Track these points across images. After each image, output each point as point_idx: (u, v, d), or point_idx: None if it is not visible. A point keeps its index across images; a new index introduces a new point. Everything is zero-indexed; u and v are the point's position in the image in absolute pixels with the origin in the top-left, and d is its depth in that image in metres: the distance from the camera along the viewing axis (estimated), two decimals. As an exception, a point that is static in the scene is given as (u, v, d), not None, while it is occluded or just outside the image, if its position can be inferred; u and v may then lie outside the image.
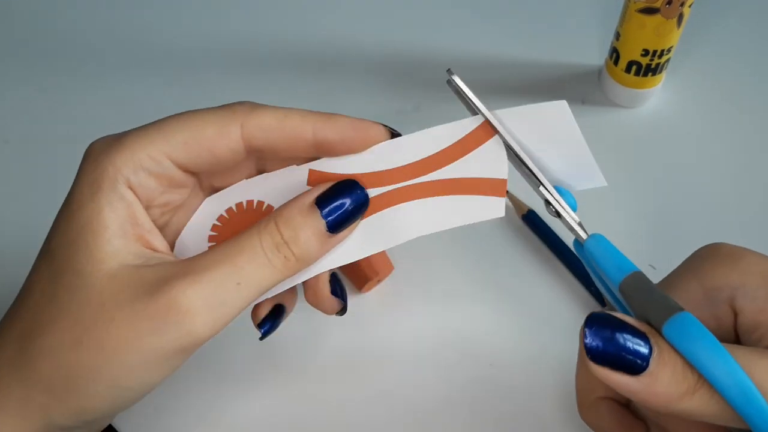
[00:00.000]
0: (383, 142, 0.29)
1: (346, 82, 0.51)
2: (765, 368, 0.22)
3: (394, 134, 0.29)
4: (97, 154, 0.27)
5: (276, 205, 0.29)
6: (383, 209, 0.29)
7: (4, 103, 0.51)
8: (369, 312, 0.40)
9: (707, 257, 0.27)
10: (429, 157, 0.29)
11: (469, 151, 0.28)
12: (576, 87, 0.50)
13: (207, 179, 0.30)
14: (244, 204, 0.30)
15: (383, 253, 0.41)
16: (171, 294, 0.25)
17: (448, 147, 0.29)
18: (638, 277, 0.25)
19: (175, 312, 0.25)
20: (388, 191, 0.29)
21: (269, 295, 0.29)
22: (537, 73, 0.51)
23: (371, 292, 0.41)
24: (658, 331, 0.23)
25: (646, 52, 0.45)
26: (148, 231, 0.28)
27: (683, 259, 0.42)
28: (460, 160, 0.28)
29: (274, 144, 0.28)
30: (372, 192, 0.29)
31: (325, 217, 0.27)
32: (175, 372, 0.27)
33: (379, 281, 0.41)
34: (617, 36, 0.46)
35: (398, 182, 0.29)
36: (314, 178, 0.29)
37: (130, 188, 0.27)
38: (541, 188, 0.28)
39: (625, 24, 0.45)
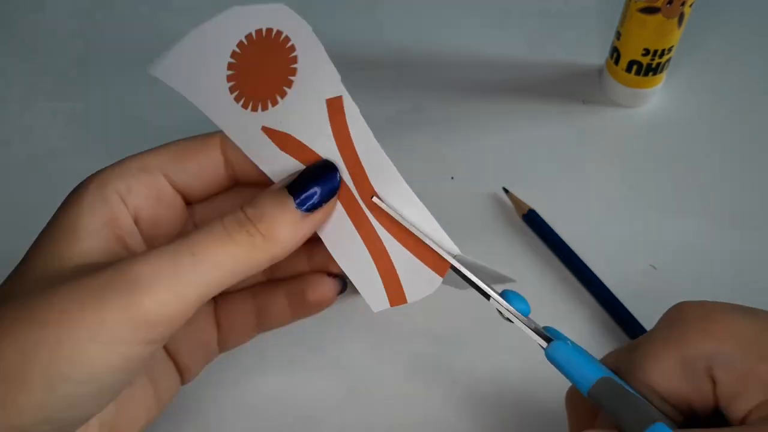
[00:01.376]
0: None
1: (346, 82, 0.51)
2: None
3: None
4: (88, 177, 0.27)
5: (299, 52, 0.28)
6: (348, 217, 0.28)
7: (4, 104, 0.51)
8: (369, 311, 0.40)
9: (678, 323, 0.26)
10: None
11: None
12: (576, 87, 0.50)
13: (197, 212, 0.30)
14: (263, 32, 0.28)
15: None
16: (120, 266, 0.23)
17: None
18: (607, 383, 0.25)
19: (120, 281, 0.23)
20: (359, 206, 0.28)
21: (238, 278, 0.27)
22: (537, 73, 0.51)
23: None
24: None
25: (646, 52, 0.45)
26: (128, 234, 0.27)
27: (683, 260, 0.42)
28: (403, 249, 0.28)
29: (246, 163, 0.29)
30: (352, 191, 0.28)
31: (292, 194, 0.26)
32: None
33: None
34: (618, 35, 0.46)
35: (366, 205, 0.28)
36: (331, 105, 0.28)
37: (117, 194, 0.27)
38: (491, 300, 0.28)
39: (626, 23, 0.45)
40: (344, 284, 0.30)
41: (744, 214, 0.44)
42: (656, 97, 0.49)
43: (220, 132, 0.29)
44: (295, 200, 0.26)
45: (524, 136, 0.48)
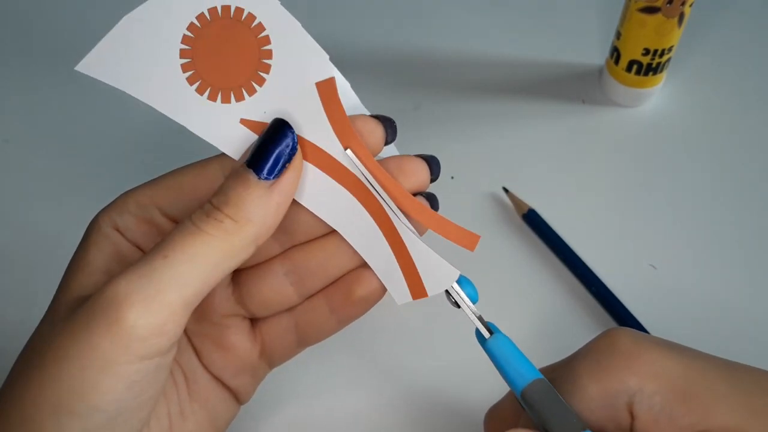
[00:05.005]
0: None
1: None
2: None
3: (387, 127, 0.28)
4: (96, 215, 0.27)
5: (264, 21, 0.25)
6: (350, 192, 0.27)
7: (4, 103, 0.50)
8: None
9: (606, 354, 0.26)
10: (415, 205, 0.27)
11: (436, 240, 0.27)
12: (576, 86, 0.50)
13: None
14: (219, 10, 0.25)
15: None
16: (101, 289, 0.23)
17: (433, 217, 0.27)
18: (541, 385, 0.25)
19: (101, 302, 0.23)
20: (368, 189, 0.27)
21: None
22: (537, 72, 0.51)
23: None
24: None
25: (646, 52, 0.45)
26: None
27: (683, 260, 0.42)
28: (424, 246, 0.27)
29: None
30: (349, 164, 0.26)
31: (251, 167, 0.25)
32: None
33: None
34: (618, 35, 0.46)
35: (377, 180, 0.27)
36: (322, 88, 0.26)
37: (117, 230, 0.27)
38: None
39: (626, 23, 0.45)
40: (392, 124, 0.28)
41: (744, 213, 0.44)
42: (656, 97, 0.49)
43: (218, 156, 0.27)
44: (256, 172, 0.25)
45: (524, 136, 0.48)
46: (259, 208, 0.25)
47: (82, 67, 0.25)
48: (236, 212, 0.24)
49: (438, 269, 0.27)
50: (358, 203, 0.27)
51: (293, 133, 0.26)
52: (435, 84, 0.51)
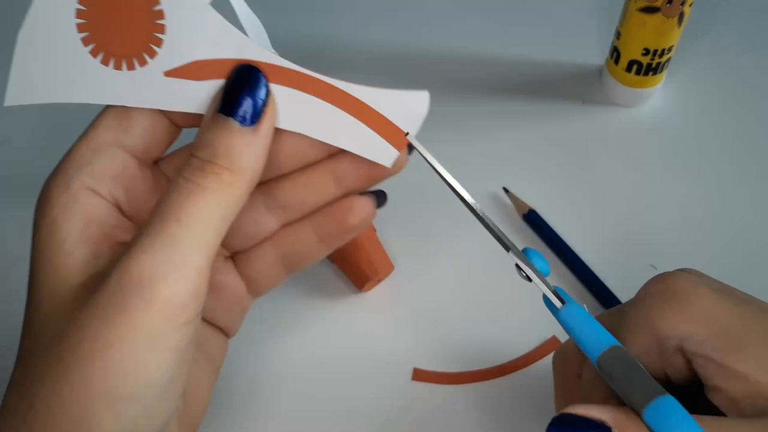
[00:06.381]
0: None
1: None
2: None
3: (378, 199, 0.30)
4: (48, 180, 0.26)
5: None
6: (290, 87, 0.26)
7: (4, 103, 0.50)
8: (368, 311, 0.40)
9: (656, 298, 0.26)
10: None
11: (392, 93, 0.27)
12: (576, 86, 0.50)
13: (165, 169, 0.28)
14: None
15: (383, 252, 0.40)
16: (122, 269, 0.23)
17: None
18: (617, 352, 0.25)
19: (130, 283, 0.22)
20: (299, 72, 0.26)
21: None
22: (537, 72, 0.51)
23: (371, 292, 0.41)
24: (639, 413, 0.23)
25: (646, 51, 0.45)
26: (113, 226, 0.26)
27: (683, 260, 0.42)
28: (379, 89, 0.27)
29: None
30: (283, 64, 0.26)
31: (230, 115, 0.25)
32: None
33: (379, 281, 0.41)
34: (618, 35, 0.46)
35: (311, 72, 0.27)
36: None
37: (85, 189, 0.25)
38: (510, 252, 0.27)
39: (626, 23, 0.45)
40: (381, 196, 0.29)
41: (744, 213, 0.44)
42: (656, 97, 0.49)
43: None
44: (236, 119, 0.25)
45: (524, 136, 0.48)
46: (250, 155, 0.25)
47: (9, 100, 0.25)
48: (231, 163, 0.24)
49: (406, 102, 0.27)
50: (304, 93, 0.27)
51: (263, 76, 0.26)
52: (434, 84, 0.51)
